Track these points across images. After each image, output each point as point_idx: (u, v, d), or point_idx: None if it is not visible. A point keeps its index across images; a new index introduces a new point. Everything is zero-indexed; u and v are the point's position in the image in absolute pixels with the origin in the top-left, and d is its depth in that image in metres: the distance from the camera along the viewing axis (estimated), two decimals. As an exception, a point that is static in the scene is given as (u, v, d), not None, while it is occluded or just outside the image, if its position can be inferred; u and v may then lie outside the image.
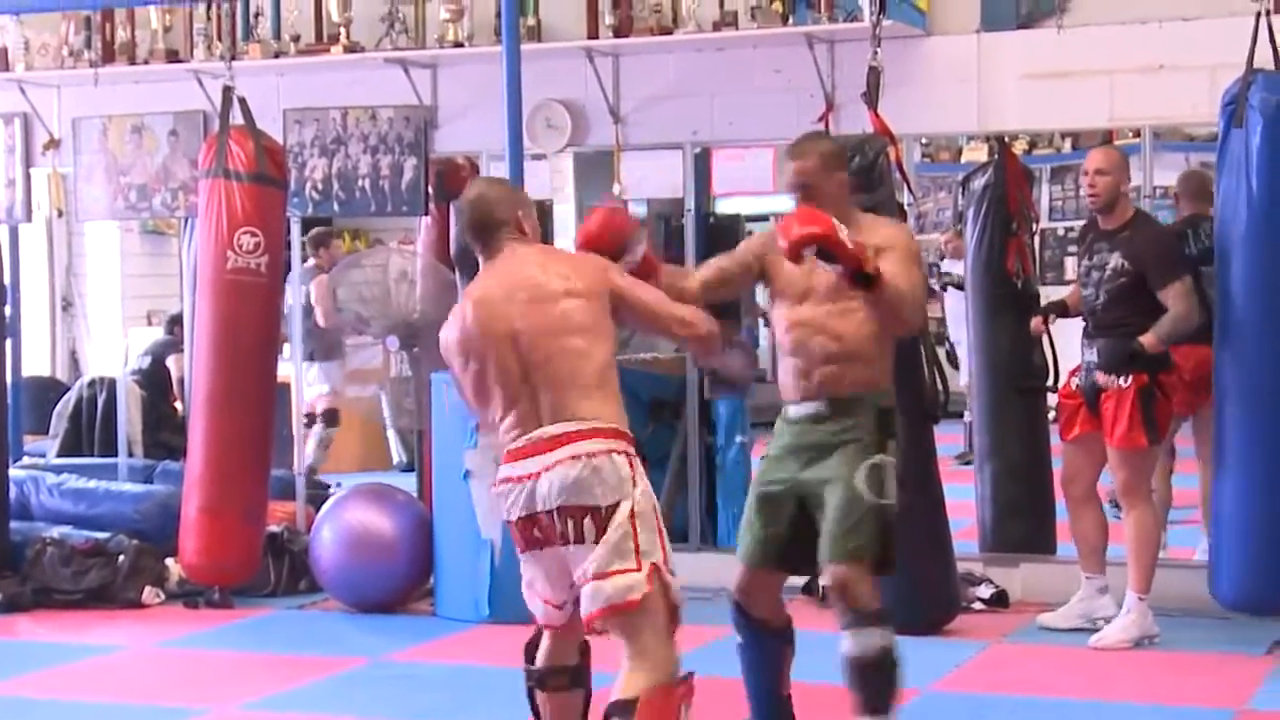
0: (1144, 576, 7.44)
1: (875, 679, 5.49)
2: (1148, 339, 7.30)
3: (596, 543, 4.86)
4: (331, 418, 11.75)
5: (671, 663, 4.92)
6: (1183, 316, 7.31)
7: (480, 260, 5.21)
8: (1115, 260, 7.43)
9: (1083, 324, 7.72)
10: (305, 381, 10.23)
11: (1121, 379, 7.38)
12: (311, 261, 11.33)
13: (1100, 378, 7.45)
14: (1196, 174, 8.77)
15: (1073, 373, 7.75)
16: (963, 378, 10.00)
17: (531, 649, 5.32)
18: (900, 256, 5.42)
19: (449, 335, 5.12)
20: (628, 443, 5.01)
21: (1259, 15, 7.04)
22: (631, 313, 5.20)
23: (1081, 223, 8.65)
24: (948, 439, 8.93)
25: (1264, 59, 7.09)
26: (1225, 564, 7.28)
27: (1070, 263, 12.76)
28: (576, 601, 5.01)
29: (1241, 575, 7.23)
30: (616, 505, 4.88)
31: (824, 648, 6.30)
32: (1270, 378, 7.11)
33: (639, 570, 4.86)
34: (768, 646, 5.83)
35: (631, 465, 4.97)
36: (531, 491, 4.94)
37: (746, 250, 5.81)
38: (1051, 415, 8.69)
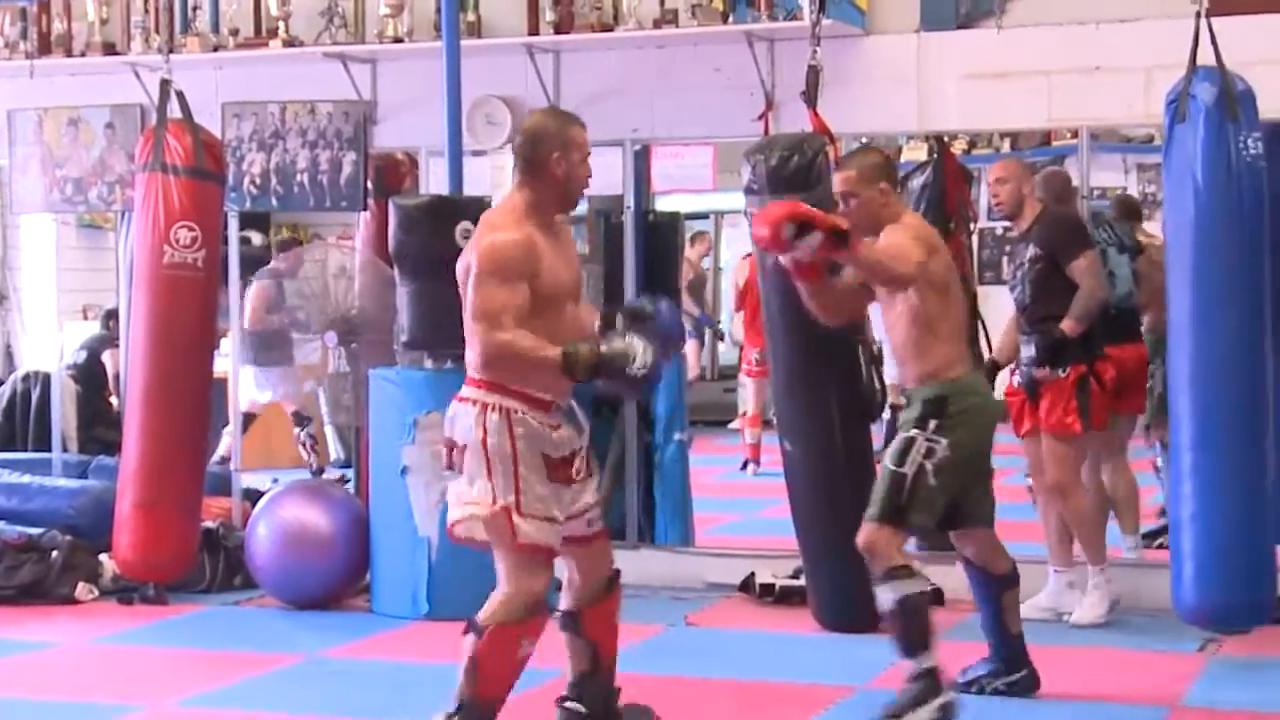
0: (1098, 552, 7.76)
1: (897, 627, 6.07)
2: (1066, 323, 7.62)
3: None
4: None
5: (528, 598, 5.45)
6: (1092, 291, 7.66)
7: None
8: (1030, 251, 7.76)
9: (1020, 324, 7.89)
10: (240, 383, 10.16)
11: (1060, 370, 7.63)
12: (274, 264, 11.26)
13: (1038, 372, 7.65)
14: (1059, 173, 8.86)
15: (1013, 370, 7.92)
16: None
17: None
18: (888, 230, 6.13)
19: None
20: (481, 391, 5.49)
21: (1198, 15, 7.08)
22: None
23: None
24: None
25: (1203, 57, 7.13)
26: (1190, 573, 7.12)
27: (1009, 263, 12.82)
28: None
29: (1207, 584, 7.09)
30: (464, 448, 5.48)
31: (761, 644, 6.33)
32: (1224, 373, 7.09)
33: (478, 505, 5.46)
34: (985, 585, 6.55)
35: (486, 413, 5.45)
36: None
37: None
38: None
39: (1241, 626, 7.27)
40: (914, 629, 6.05)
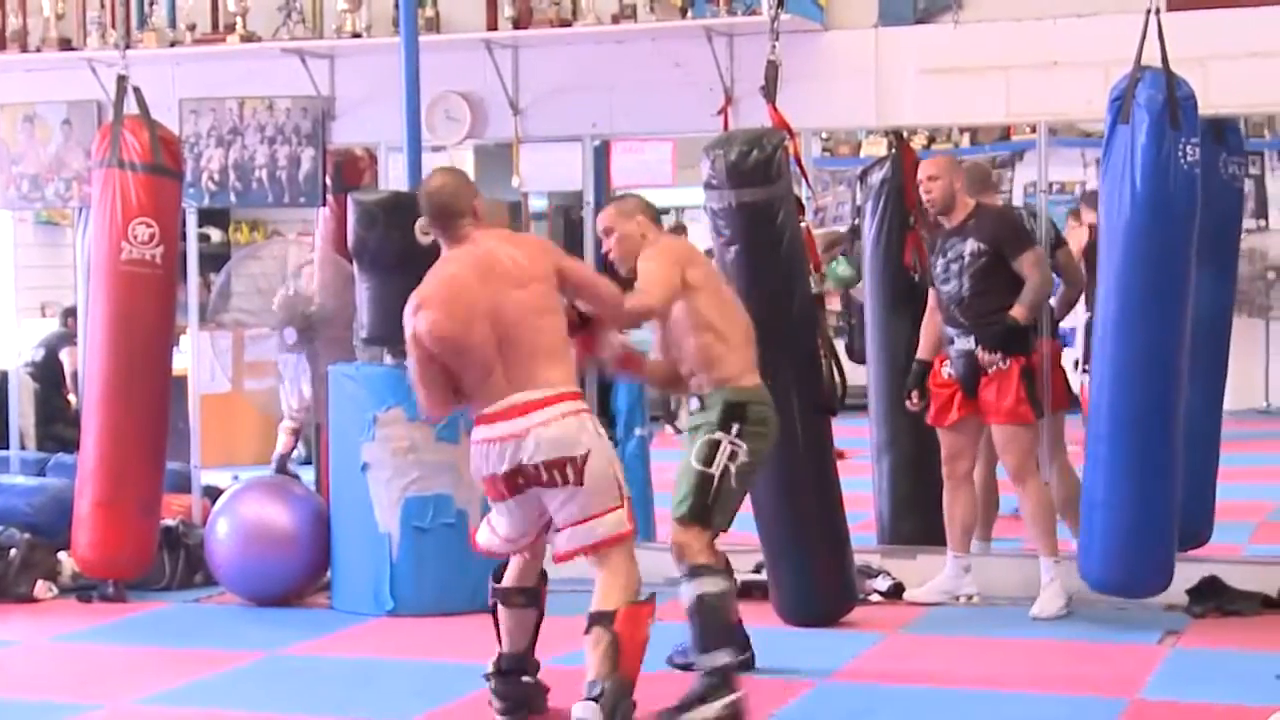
0: (1052, 543, 7.88)
1: (695, 622, 6.19)
2: (1017, 311, 7.80)
3: (578, 486, 5.76)
4: None
5: (639, 583, 5.90)
6: (1041, 284, 7.90)
7: (443, 245, 6.01)
8: (970, 245, 7.89)
9: (950, 317, 8.00)
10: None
11: (1003, 360, 7.79)
12: None
13: (984, 358, 7.83)
14: (980, 165, 8.94)
15: (941, 361, 8.06)
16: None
17: (500, 571, 6.21)
18: (640, 259, 6.41)
19: (430, 316, 5.78)
20: (584, 402, 5.93)
21: (1148, 13, 7.12)
22: (574, 286, 6.02)
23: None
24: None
25: (1152, 57, 7.18)
26: (1096, 548, 7.45)
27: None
28: (537, 536, 5.99)
29: (1111, 558, 7.41)
30: (589, 454, 5.75)
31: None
32: (1144, 370, 7.27)
33: (623, 507, 5.87)
34: None
35: (594, 421, 5.86)
36: (517, 448, 5.74)
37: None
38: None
39: (1140, 595, 7.59)
40: (710, 626, 6.16)
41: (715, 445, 6.28)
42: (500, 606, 6.21)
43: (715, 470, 6.26)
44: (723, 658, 6.11)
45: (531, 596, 6.22)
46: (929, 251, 8.18)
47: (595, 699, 5.66)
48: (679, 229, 15.11)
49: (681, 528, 6.27)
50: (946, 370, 8.04)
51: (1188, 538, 7.79)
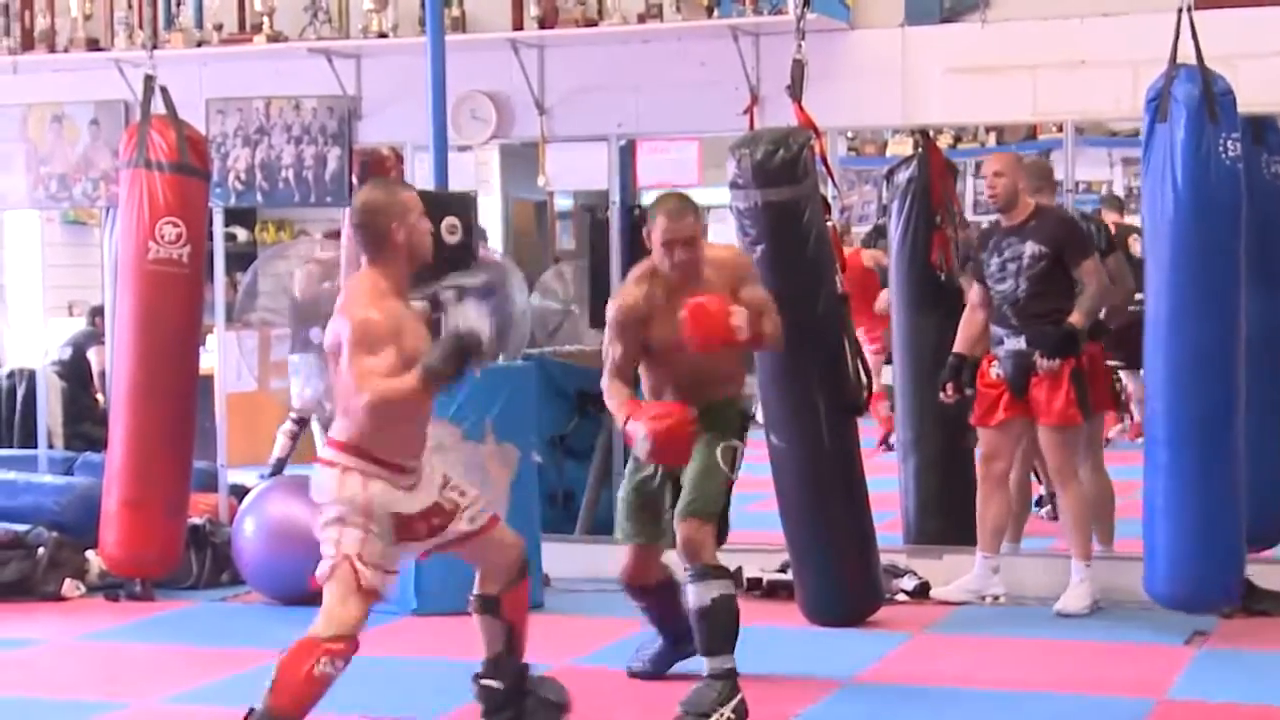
0: (1087, 545, 7.89)
1: (706, 625, 6.20)
2: (1076, 318, 7.77)
3: None
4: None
5: (332, 627, 5.63)
6: (1100, 292, 7.85)
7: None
8: (1031, 248, 7.82)
9: (1000, 316, 7.92)
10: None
11: (1054, 362, 7.76)
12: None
13: (1043, 364, 7.76)
14: (1041, 163, 8.89)
15: (989, 360, 8.00)
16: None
17: None
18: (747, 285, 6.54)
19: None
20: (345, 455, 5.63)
21: (1180, 10, 7.09)
22: None
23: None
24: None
25: (1186, 54, 7.15)
26: (1161, 560, 7.26)
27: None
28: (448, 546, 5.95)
29: (1177, 570, 7.22)
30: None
31: (747, 639, 6.33)
32: (1200, 371, 7.15)
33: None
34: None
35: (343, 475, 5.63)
36: None
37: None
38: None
39: (1208, 611, 7.45)
40: (721, 628, 6.18)
41: (734, 452, 6.34)
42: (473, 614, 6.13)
43: (736, 476, 6.34)
44: (731, 662, 6.14)
45: (486, 604, 6.02)
46: (981, 248, 8.09)
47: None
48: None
49: (699, 524, 6.23)
50: (995, 370, 7.97)
51: (1258, 538, 7.71)
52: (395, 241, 5.61)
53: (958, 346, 8.16)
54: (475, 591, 6.03)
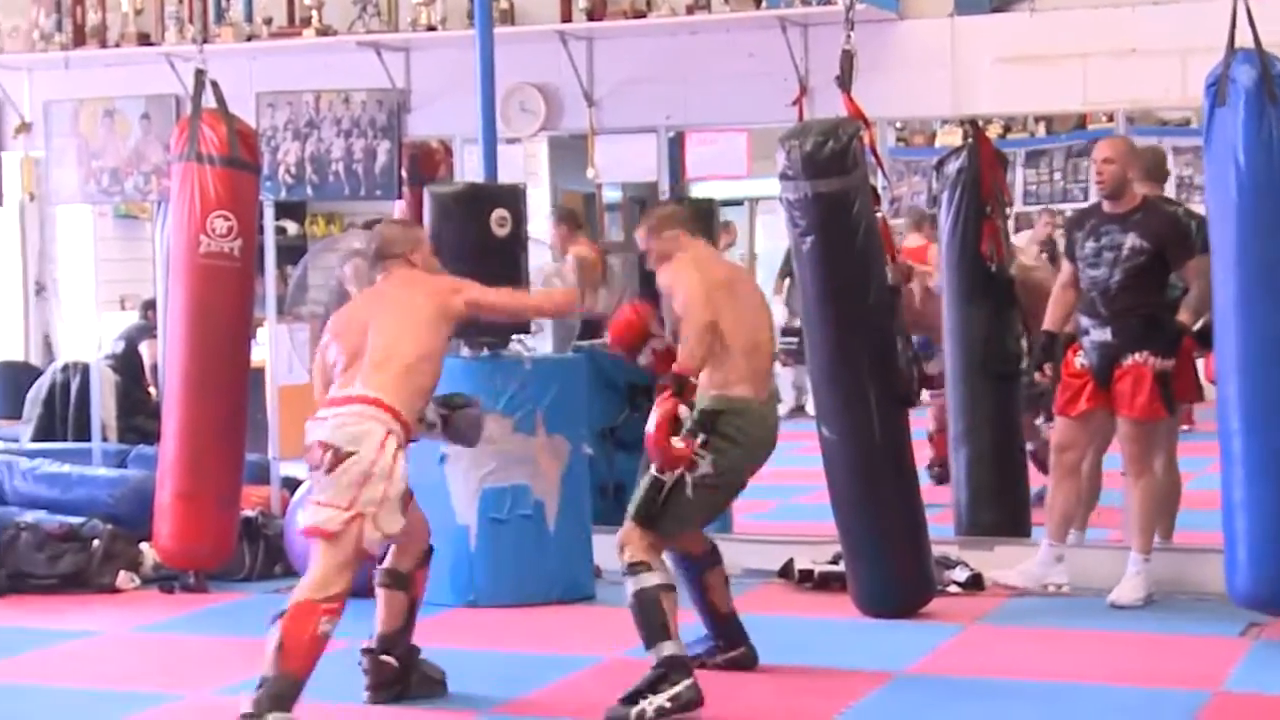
0: (1149, 539, 7.82)
1: (635, 618, 6.25)
2: (1185, 316, 7.72)
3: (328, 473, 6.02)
4: None
5: (329, 587, 5.94)
6: (1207, 292, 7.53)
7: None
8: (1132, 240, 7.73)
9: (1088, 304, 7.88)
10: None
11: (1140, 355, 7.72)
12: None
13: (1139, 356, 7.70)
14: (1154, 150, 8.78)
15: (1074, 350, 7.95)
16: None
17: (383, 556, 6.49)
18: (670, 272, 6.62)
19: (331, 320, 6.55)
20: (394, 420, 6.06)
21: (1237, -6, 7.04)
22: (493, 313, 6.83)
23: (1056, 206, 8.71)
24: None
25: (1243, 39, 7.09)
26: (1241, 557, 7.04)
27: (1044, 246, 12.76)
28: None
29: (1259, 566, 7.02)
30: (351, 455, 5.96)
31: (799, 630, 6.34)
32: (1269, 358, 6.98)
33: (347, 511, 5.95)
34: (686, 567, 6.68)
35: (386, 438, 6.00)
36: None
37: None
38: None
39: None
40: (649, 619, 6.18)
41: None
42: (376, 587, 6.49)
43: (668, 478, 6.25)
44: (668, 648, 6.14)
45: (399, 579, 6.44)
46: (1077, 226, 8.02)
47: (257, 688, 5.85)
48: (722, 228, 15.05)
49: (627, 526, 6.31)
50: (1080, 360, 7.92)
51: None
52: (413, 265, 6.44)
53: (1047, 324, 8.10)
54: (386, 565, 6.44)
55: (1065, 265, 8.09)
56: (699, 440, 6.25)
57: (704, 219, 9.56)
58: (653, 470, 6.28)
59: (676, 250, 6.57)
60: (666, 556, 6.39)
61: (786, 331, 15.15)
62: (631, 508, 6.33)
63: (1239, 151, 6.96)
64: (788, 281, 14.90)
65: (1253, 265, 7.00)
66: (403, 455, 6.04)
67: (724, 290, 6.43)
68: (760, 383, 6.46)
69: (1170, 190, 10.81)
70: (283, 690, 5.81)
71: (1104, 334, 7.82)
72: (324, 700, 6.24)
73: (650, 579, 6.20)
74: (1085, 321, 7.91)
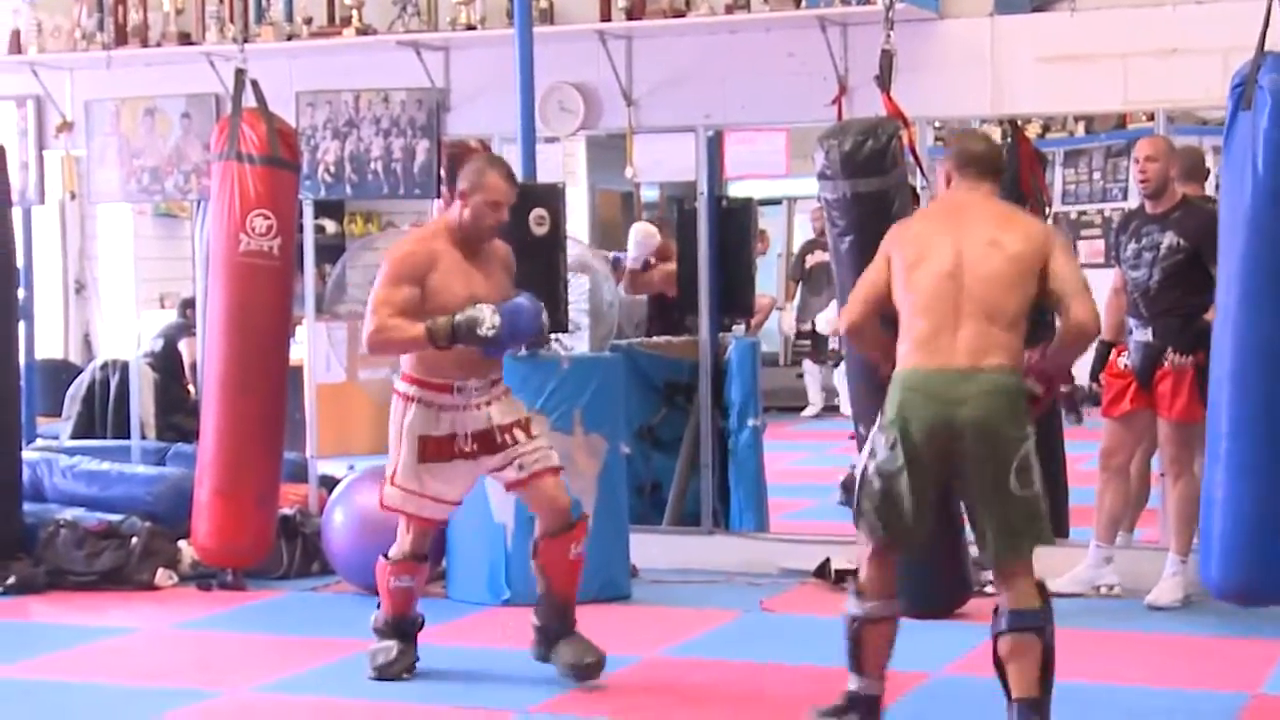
0: (1187, 541, 7.77)
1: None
2: (1211, 315, 7.51)
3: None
4: None
5: (396, 547, 6.91)
6: None
7: None
8: (1170, 239, 7.77)
9: (1132, 305, 7.90)
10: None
11: (1181, 356, 7.73)
12: None
13: (1172, 356, 7.73)
14: (1193, 150, 8.75)
15: (1119, 351, 7.99)
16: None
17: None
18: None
19: None
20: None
21: (1271, -2, 7.01)
22: None
23: (1094, 206, 8.71)
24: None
25: (1275, 42, 7.06)
26: (1215, 550, 7.16)
27: (1084, 246, 12.72)
28: None
29: (1231, 561, 7.12)
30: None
31: (835, 630, 6.32)
32: (1263, 364, 7.02)
33: None
34: None
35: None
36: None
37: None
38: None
39: (1264, 604, 7.35)
40: (851, 651, 5.79)
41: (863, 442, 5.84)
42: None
43: (857, 469, 5.70)
44: (853, 682, 5.78)
45: (532, 547, 6.86)
46: (1121, 231, 8.03)
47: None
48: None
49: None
50: (1124, 361, 7.96)
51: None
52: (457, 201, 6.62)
53: (1104, 334, 8.09)
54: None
55: (1115, 272, 8.09)
56: (878, 422, 5.58)
57: (741, 219, 9.62)
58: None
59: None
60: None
61: (800, 335, 15.20)
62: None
63: (1258, 158, 6.94)
64: (800, 285, 14.95)
65: (1258, 274, 6.99)
66: (412, 408, 6.65)
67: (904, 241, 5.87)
68: (925, 352, 5.60)
69: (1210, 190, 10.78)
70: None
71: (1146, 334, 7.84)
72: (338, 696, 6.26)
73: (858, 607, 5.75)
74: (1130, 321, 7.94)
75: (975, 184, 5.79)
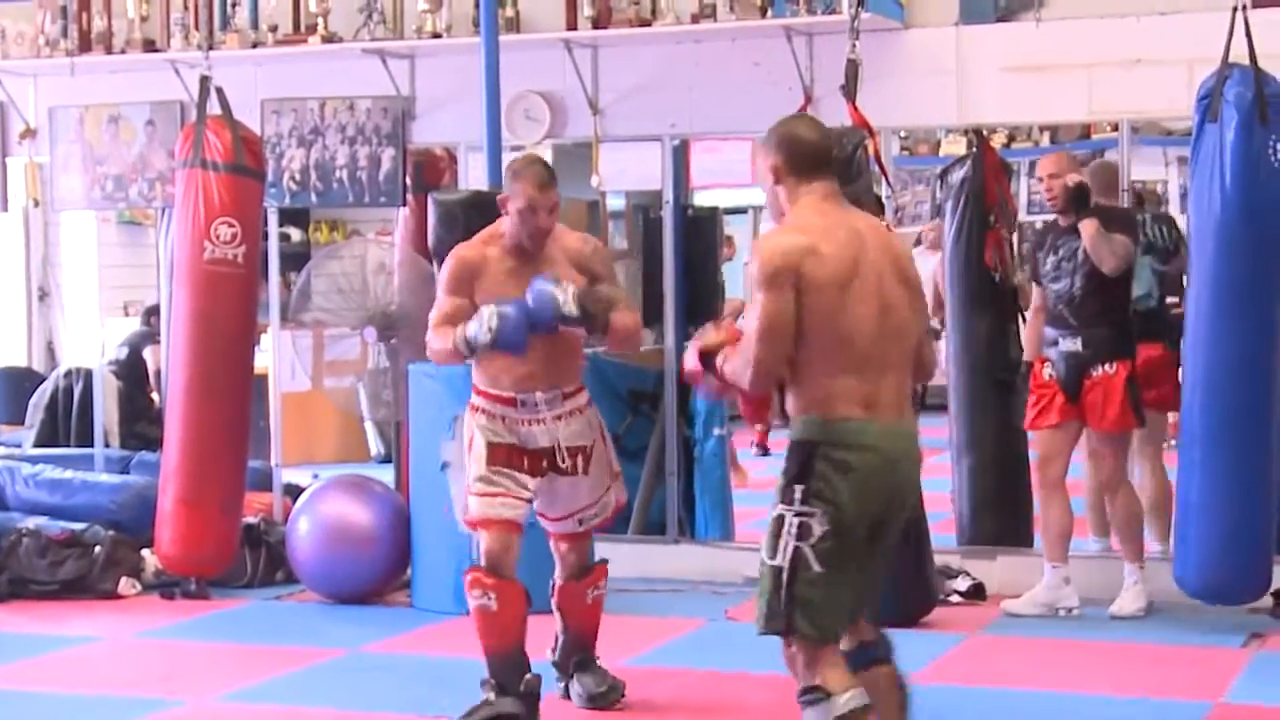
0: (1138, 549, 7.84)
1: None
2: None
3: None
4: None
5: (479, 557, 6.37)
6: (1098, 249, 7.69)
7: None
8: (1082, 245, 7.75)
9: (1057, 316, 7.89)
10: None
11: (1109, 366, 7.70)
12: None
13: (1108, 367, 7.71)
14: (1108, 165, 8.80)
15: (1042, 362, 7.94)
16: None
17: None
18: None
19: None
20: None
21: (1235, 9, 7.05)
22: None
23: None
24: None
25: (1238, 54, 7.11)
26: (1191, 553, 7.36)
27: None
28: None
29: (1206, 563, 7.32)
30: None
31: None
32: (1238, 371, 7.19)
33: None
34: None
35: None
36: None
37: None
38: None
39: (1235, 603, 7.51)
40: None
41: (779, 524, 4.62)
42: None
43: (781, 560, 4.61)
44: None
45: (552, 590, 6.75)
46: (1038, 247, 8.06)
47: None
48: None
49: (783, 643, 4.75)
50: (1048, 371, 7.91)
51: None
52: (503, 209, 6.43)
53: (1027, 354, 8.15)
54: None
55: (1035, 290, 8.08)
56: (798, 492, 4.62)
57: (707, 228, 9.62)
58: (763, 559, 4.66)
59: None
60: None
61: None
62: (756, 621, 4.72)
63: (1226, 170, 7.04)
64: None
65: (1228, 284, 7.13)
66: (477, 417, 6.43)
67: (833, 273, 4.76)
68: (871, 398, 4.70)
69: (1174, 202, 10.86)
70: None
71: (1074, 344, 7.81)
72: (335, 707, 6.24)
73: (834, 708, 4.65)
74: (1053, 332, 7.90)
75: (830, 184, 4.82)
